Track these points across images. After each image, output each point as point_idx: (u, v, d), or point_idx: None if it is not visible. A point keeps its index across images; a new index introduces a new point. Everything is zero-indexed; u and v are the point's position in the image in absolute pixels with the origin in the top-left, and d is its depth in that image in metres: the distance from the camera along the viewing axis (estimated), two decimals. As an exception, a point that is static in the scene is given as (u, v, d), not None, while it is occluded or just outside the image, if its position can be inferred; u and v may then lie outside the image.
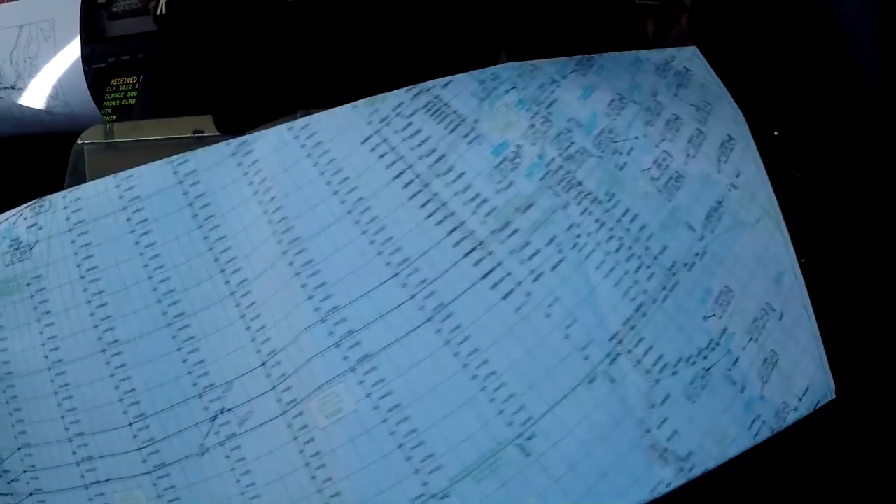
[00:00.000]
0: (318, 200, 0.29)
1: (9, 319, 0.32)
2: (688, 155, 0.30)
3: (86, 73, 0.40)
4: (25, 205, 0.33)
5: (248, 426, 0.29)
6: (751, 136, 0.32)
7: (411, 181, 0.29)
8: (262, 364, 0.29)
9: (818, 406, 0.30)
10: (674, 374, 0.28)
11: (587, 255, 0.28)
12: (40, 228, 0.32)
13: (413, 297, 0.28)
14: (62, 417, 0.31)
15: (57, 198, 0.32)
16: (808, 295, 0.31)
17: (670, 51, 0.32)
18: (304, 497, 0.28)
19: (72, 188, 0.33)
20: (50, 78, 0.40)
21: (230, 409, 0.29)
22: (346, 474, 0.27)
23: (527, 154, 0.29)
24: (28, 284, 0.32)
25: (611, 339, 0.27)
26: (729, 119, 0.32)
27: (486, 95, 0.29)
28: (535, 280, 0.27)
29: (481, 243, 0.28)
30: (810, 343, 0.30)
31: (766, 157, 0.31)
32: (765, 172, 0.31)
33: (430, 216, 0.28)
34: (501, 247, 0.28)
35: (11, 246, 0.32)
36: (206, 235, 0.30)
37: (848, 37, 0.30)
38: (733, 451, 0.28)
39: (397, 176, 0.29)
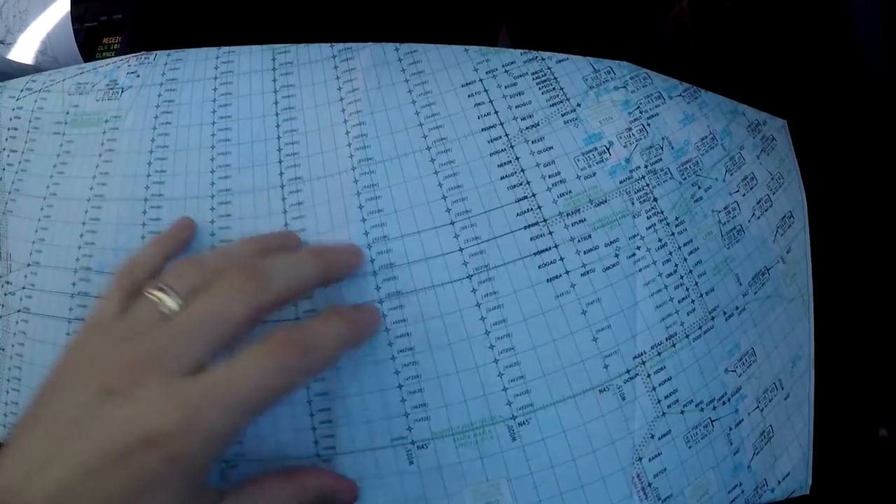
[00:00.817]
0: (401, 127, 0.28)
1: (77, 147, 0.31)
2: (753, 214, 0.29)
3: (77, 31, 0.39)
4: (134, 54, 0.33)
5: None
6: (807, 221, 0.31)
7: (498, 138, 0.27)
8: None
9: (791, 496, 0.29)
10: (682, 412, 0.26)
11: (640, 269, 0.26)
12: (137, 76, 0.32)
13: (461, 249, 0.26)
14: (78, 248, 0.30)
15: (161, 54, 0.32)
16: (813, 388, 0.30)
17: (763, 115, 0.32)
18: (290, 404, 0.27)
19: (178, 50, 0.32)
20: (39, 33, 0.40)
21: None
22: (343, 394, 0.26)
23: (616, 153, 0.27)
24: (106, 121, 0.31)
25: (635, 358, 0.26)
26: (794, 198, 0.31)
27: (596, 85, 0.28)
28: (584, 274, 0.26)
29: (545, 220, 0.26)
30: (802, 432, 0.29)
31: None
32: (809, 258, 0.31)
33: (504, 178, 0.27)
34: (564, 231, 0.26)
35: (108, 85, 0.32)
36: (278, 124, 0.29)
37: (852, 22, 0.30)
38: None
39: (486, 128, 0.28)
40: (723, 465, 0.27)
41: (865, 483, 0.32)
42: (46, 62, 0.39)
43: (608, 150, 0.27)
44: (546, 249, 0.27)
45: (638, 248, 0.27)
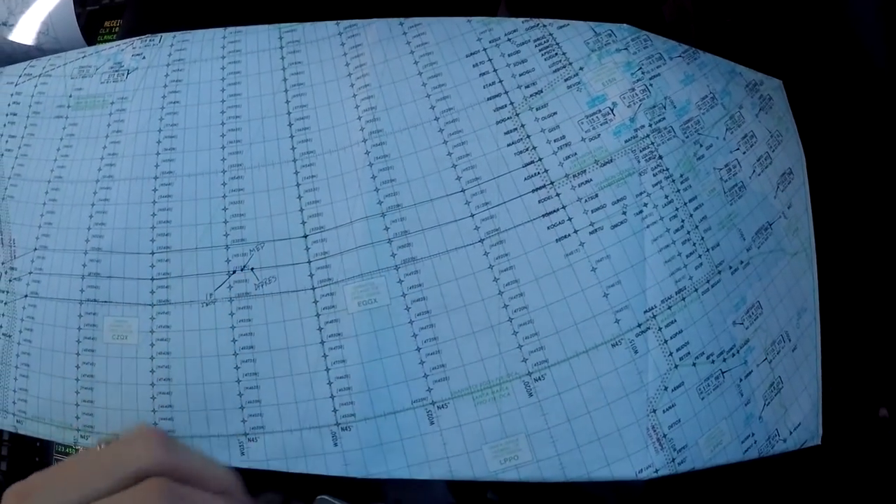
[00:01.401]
0: (409, 99, 0.29)
1: (81, 130, 0.32)
2: (754, 171, 0.30)
3: (79, 14, 0.40)
4: (139, 37, 0.33)
5: (267, 290, 0.29)
6: (806, 177, 0.32)
7: (504, 106, 0.28)
8: (304, 236, 0.29)
9: (803, 446, 0.29)
10: (693, 364, 0.27)
11: (648, 226, 0.27)
12: (143, 58, 0.32)
13: (472, 215, 0.27)
14: (88, 229, 0.30)
15: (167, 36, 0.33)
16: (820, 338, 0.31)
17: (759, 75, 0.33)
18: (308, 372, 0.28)
19: (184, 31, 0.33)
20: (40, 14, 0.40)
21: (252, 269, 0.29)
22: (362, 360, 0.27)
23: (620, 113, 0.28)
24: (112, 103, 0.32)
25: (646, 312, 0.27)
26: (793, 155, 0.32)
27: (598, 48, 0.29)
28: (593, 233, 0.27)
29: (552, 183, 0.27)
30: (811, 383, 0.30)
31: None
32: (810, 212, 0.32)
33: (511, 144, 0.28)
34: (571, 192, 0.27)
35: (113, 68, 0.33)
36: (288, 100, 0.30)
37: (853, 11, 0.31)
38: (721, 458, 0.27)
39: (492, 97, 0.28)
40: (735, 415, 0.28)
41: (867, 462, 0.32)
42: (48, 43, 0.40)
43: (612, 111, 0.28)
44: (554, 211, 0.28)
45: (645, 204, 0.28)
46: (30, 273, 0.31)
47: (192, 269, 0.29)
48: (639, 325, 0.27)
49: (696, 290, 0.28)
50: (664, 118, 0.29)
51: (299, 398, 0.28)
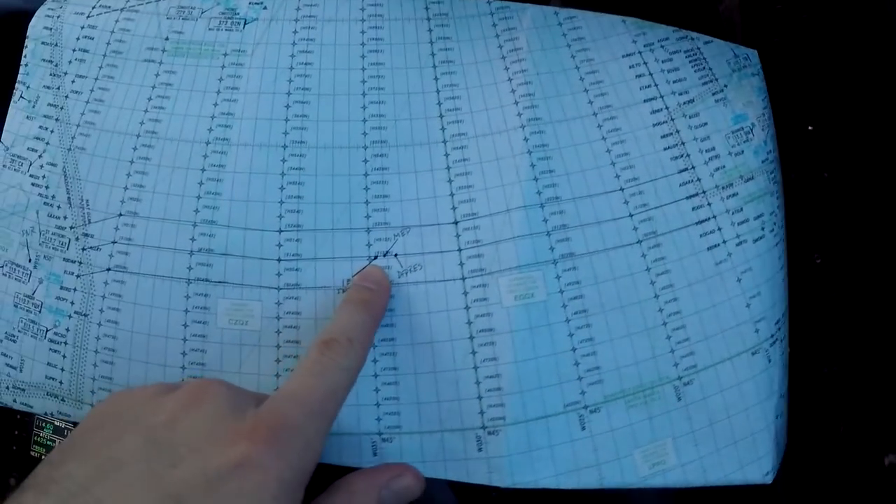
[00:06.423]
0: (567, 91, 0.31)
1: (183, 81, 0.30)
2: None
3: None
4: None
5: (411, 279, 0.29)
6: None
7: (660, 110, 0.31)
8: (455, 222, 0.29)
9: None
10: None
11: (776, 243, 0.31)
12: (264, 8, 0.31)
13: (631, 215, 0.30)
14: (197, 197, 0.29)
15: None
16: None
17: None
18: (453, 370, 0.29)
19: None
20: None
21: (396, 255, 0.29)
22: (514, 359, 0.28)
23: (758, 134, 0.32)
24: (225, 55, 0.30)
25: (776, 323, 0.31)
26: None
27: (738, 69, 0.32)
28: (739, 244, 0.30)
29: (704, 192, 0.31)
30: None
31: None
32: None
33: (667, 148, 0.31)
34: (720, 203, 0.31)
35: (224, 14, 0.31)
36: (437, 77, 0.30)
37: None
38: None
39: (648, 100, 0.31)
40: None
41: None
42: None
43: (752, 131, 0.32)
44: (706, 219, 0.30)
45: (775, 223, 0.32)
46: (113, 242, 0.29)
47: (328, 252, 0.28)
48: (771, 336, 0.31)
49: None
50: (774, 150, 0.33)
51: (442, 397, 0.28)
